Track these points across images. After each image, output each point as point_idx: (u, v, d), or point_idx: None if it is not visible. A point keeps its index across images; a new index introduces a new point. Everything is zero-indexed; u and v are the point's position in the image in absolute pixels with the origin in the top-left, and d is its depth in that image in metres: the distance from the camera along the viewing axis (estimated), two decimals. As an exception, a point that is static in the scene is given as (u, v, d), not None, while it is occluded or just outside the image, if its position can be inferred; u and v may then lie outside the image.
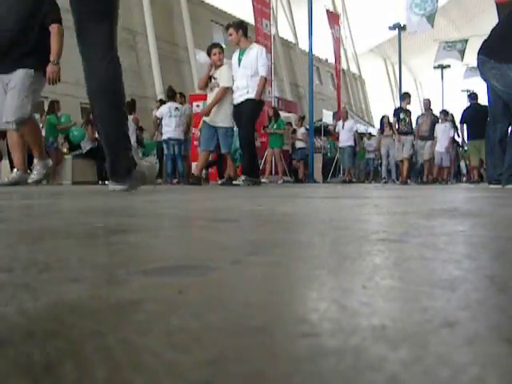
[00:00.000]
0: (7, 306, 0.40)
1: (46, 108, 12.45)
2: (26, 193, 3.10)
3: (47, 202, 2.31)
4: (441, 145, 12.79)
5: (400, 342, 0.31)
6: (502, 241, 0.88)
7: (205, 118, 7.25)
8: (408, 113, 11.89)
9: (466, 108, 11.64)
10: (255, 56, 6.77)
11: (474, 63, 5.75)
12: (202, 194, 3.51)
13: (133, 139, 9.77)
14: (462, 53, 22.74)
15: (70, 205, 2.20)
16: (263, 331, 0.33)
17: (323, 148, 17.13)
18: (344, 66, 25.82)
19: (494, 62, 4.99)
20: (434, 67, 26.36)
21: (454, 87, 30.99)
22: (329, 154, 16.86)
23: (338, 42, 16.78)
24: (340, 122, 13.80)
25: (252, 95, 6.64)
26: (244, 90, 6.73)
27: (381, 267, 0.59)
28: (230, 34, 6.90)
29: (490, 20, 12.01)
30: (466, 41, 22.83)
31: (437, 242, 0.81)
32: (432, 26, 18.44)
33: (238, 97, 6.82)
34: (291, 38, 25.88)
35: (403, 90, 15.33)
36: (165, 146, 9.99)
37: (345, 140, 13.61)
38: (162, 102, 10.54)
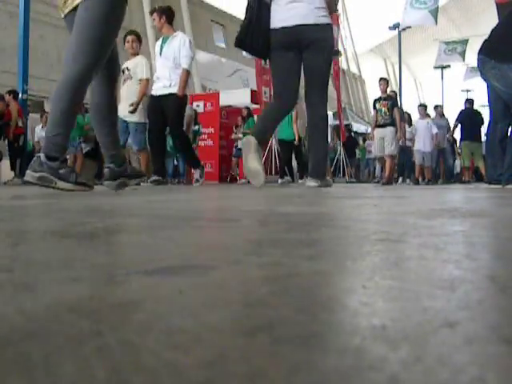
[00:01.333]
0: (7, 305, 0.40)
1: (46, 108, 12.45)
2: (26, 193, 3.10)
3: (47, 201, 2.31)
4: (423, 144, 11.85)
5: (400, 342, 0.31)
6: (502, 241, 0.88)
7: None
8: (386, 101, 9.82)
9: (462, 110, 11.97)
10: (178, 46, 6.21)
11: (475, 63, 5.75)
12: (202, 194, 3.51)
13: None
14: (463, 54, 22.71)
15: (69, 204, 2.20)
16: (264, 331, 0.33)
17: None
18: (344, 65, 25.80)
19: (495, 62, 4.99)
20: (434, 67, 26.37)
21: (454, 87, 31.02)
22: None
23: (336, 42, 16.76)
24: None
25: (175, 89, 6.15)
26: (166, 81, 6.23)
27: (381, 267, 0.59)
28: (154, 19, 6.42)
29: (490, 20, 12.02)
30: (467, 41, 22.80)
31: (437, 242, 0.81)
32: (436, 21, 18.14)
33: (160, 88, 6.29)
34: (291, 38, 25.85)
35: (403, 90, 15.14)
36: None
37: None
38: None
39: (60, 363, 0.27)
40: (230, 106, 13.23)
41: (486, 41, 5.22)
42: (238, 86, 16.96)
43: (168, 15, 6.35)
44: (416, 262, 0.62)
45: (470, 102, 12.24)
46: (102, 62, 3.17)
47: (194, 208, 1.96)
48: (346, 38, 28.05)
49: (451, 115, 14.00)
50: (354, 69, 31.93)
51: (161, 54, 6.33)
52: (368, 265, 0.60)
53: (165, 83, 6.24)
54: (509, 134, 5.29)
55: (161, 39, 6.43)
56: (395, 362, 0.27)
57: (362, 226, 1.16)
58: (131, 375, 0.26)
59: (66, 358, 0.28)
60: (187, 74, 6.22)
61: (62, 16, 3.37)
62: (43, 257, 0.67)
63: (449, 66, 25.82)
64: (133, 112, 6.56)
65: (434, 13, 17.97)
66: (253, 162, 4.07)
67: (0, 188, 5.34)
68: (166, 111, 6.19)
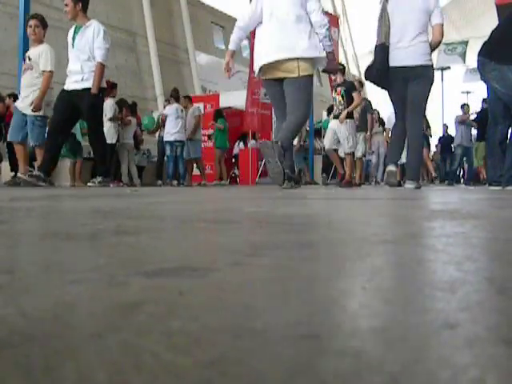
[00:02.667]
0: (7, 307, 0.40)
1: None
2: (27, 194, 3.10)
3: (47, 203, 2.31)
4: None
5: (400, 343, 0.31)
6: (501, 242, 0.88)
7: (16, 104, 6.30)
8: (340, 87, 8.01)
9: (480, 111, 12.00)
10: (91, 36, 5.71)
11: (474, 64, 5.76)
12: (201, 196, 3.51)
13: (133, 141, 9.74)
14: (463, 55, 22.72)
15: (69, 206, 2.20)
16: (263, 333, 0.33)
17: (323, 150, 17.10)
18: (344, 67, 25.81)
19: (495, 64, 4.99)
20: (434, 68, 26.41)
21: (453, 88, 30.99)
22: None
23: (336, 44, 16.73)
24: None
25: (88, 84, 5.68)
26: (78, 75, 5.75)
27: (381, 269, 0.59)
28: (66, 5, 5.77)
29: (490, 21, 12.00)
30: (466, 43, 22.81)
31: (437, 244, 0.81)
32: None
33: (71, 83, 5.82)
34: (291, 40, 25.88)
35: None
36: (168, 147, 9.96)
37: None
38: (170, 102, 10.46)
39: (60, 365, 0.27)
40: (230, 108, 13.23)
41: (485, 42, 5.22)
42: (238, 87, 16.95)
43: (84, 2, 5.80)
44: (416, 264, 0.62)
45: (486, 101, 12.16)
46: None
47: (193, 209, 1.96)
48: (345, 40, 28.05)
49: (450, 116, 13.96)
50: (353, 70, 31.92)
51: (73, 45, 5.84)
52: (368, 266, 0.60)
53: (76, 78, 5.78)
54: (509, 135, 5.29)
55: (72, 29, 5.91)
56: (395, 364, 0.27)
57: (361, 227, 1.16)
58: (131, 377, 0.26)
59: (66, 360, 0.28)
60: (102, 68, 5.71)
61: (263, 78, 4.76)
62: (43, 258, 0.67)
63: (449, 67, 25.82)
64: (35, 110, 5.89)
65: None
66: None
67: (0, 189, 5.34)
68: (79, 108, 5.74)
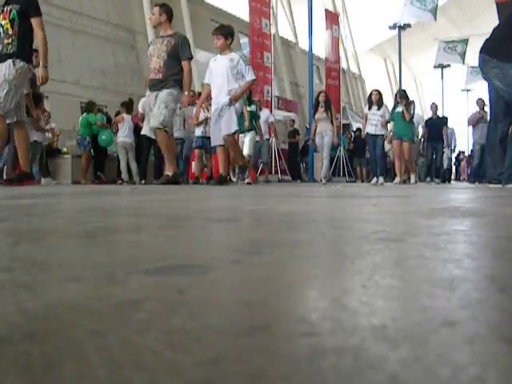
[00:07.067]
0: (7, 305, 0.40)
1: (45, 106, 12.45)
2: (26, 192, 3.10)
3: (46, 201, 2.31)
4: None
5: (400, 341, 0.31)
6: (502, 240, 0.88)
7: None
8: (11, 7, 4.73)
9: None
10: None
11: (475, 63, 5.75)
12: (201, 194, 3.50)
13: (131, 139, 9.69)
14: (463, 55, 22.67)
15: (69, 204, 2.20)
16: (263, 331, 0.33)
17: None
18: (344, 65, 25.78)
19: (496, 61, 4.98)
20: (434, 66, 26.37)
21: (454, 86, 30.98)
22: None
23: (336, 42, 16.68)
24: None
25: None
26: None
27: (381, 266, 0.59)
28: None
29: (490, 19, 11.99)
30: (467, 41, 22.75)
31: (437, 242, 0.81)
32: (435, 18, 18.28)
33: None
34: (291, 37, 25.84)
35: (403, 89, 14.74)
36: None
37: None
38: None
39: (60, 362, 0.27)
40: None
41: (487, 40, 5.21)
42: (237, 85, 16.91)
43: None
44: (416, 262, 0.62)
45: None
46: None
47: (193, 207, 1.96)
48: (346, 38, 28.00)
49: (451, 115, 13.91)
50: (353, 68, 31.87)
51: None
52: (368, 264, 0.60)
53: None
54: (509, 133, 5.28)
55: None
56: (395, 362, 0.27)
57: (361, 225, 1.16)
58: (131, 374, 0.26)
59: (66, 357, 0.28)
60: None
61: None
62: (43, 256, 0.67)
63: (449, 65, 25.76)
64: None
65: (434, 10, 18.10)
66: None
67: (2, 187, 5.33)
68: None
